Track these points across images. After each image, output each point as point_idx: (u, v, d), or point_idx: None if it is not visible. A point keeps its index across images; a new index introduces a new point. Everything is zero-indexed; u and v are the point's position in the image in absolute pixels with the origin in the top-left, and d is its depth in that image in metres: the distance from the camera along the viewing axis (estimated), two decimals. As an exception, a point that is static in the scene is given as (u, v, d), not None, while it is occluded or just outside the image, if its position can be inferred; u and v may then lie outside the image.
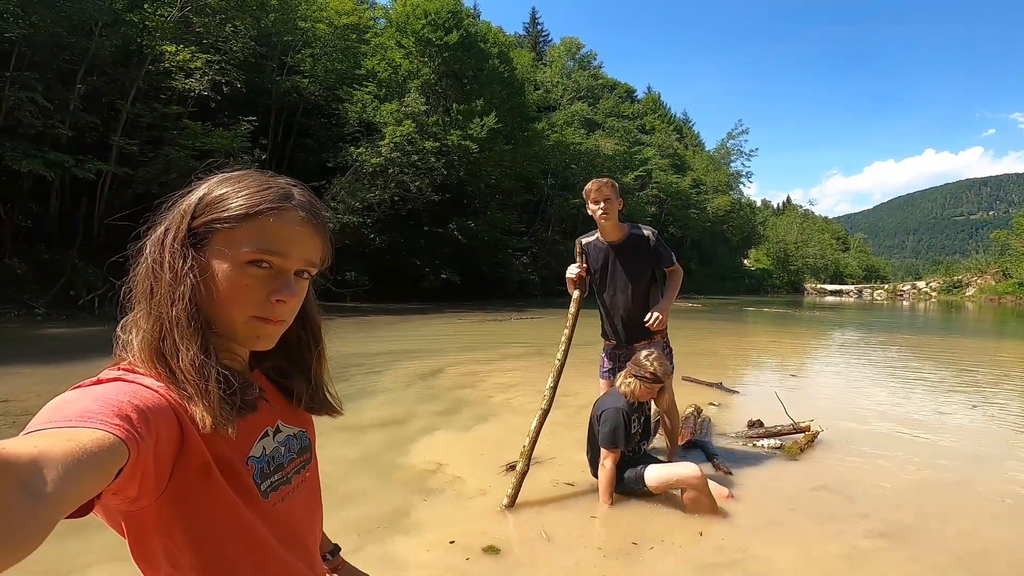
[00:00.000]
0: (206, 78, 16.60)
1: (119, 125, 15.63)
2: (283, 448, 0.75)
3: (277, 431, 0.75)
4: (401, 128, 21.64)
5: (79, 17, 14.11)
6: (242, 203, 0.66)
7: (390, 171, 21.93)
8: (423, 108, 23.58)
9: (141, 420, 0.54)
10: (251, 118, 17.99)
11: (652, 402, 3.20)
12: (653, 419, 3.25)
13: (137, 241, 0.70)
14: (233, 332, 0.69)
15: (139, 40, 16.19)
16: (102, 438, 0.47)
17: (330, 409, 0.84)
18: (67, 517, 0.44)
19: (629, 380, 3.01)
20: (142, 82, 16.05)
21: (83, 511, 0.48)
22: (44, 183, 14.83)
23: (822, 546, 2.56)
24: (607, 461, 2.93)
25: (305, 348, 0.81)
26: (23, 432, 0.47)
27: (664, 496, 2.93)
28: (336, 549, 1.02)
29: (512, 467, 3.39)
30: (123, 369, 0.64)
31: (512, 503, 2.88)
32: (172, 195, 0.70)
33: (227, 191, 0.68)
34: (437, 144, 23.58)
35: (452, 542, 2.51)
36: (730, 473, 3.42)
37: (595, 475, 3.13)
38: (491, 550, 2.44)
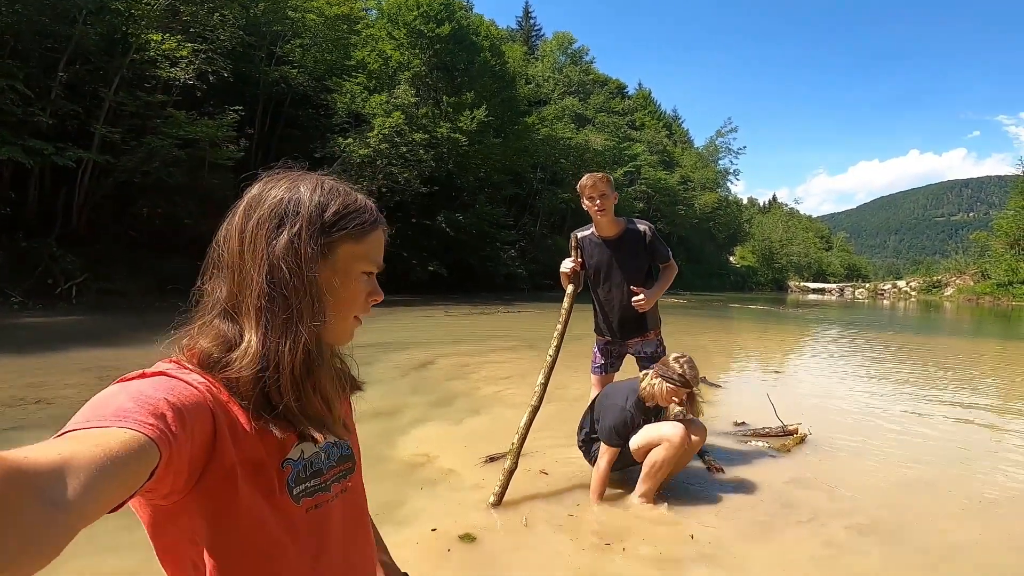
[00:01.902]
0: (192, 67, 16.32)
1: (101, 113, 15.32)
2: (323, 454, 0.75)
3: None
4: (390, 120, 21.50)
5: (63, 5, 13.80)
6: (366, 218, 0.73)
7: (378, 163, 21.78)
8: (413, 100, 23.45)
9: (177, 419, 0.54)
10: (237, 107, 17.74)
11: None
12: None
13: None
14: (337, 336, 0.74)
15: (124, 28, 15.83)
16: (133, 439, 0.48)
17: (354, 383, 0.85)
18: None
19: (654, 380, 2.88)
20: (126, 71, 15.73)
21: (117, 507, 0.48)
22: (24, 171, 14.53)
23: (798, 542, 2.60)
24: (603, 459, 2.88)
25: None
26: (61, 431, 0.48)
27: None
28: None
29: (492, 459, 3.42)
30: (174, 363, 0.64)
31: (499, 501, 2.84)
32: (259, 196, 0.70)
33: (336, 201, 0.71)
34: (426, 136, 23.47)
35: (433, 529, 2.56)
36: (722, 471, 3.42)
37: (588, 461, 3.10)
38: (467, 538, 2.49)
